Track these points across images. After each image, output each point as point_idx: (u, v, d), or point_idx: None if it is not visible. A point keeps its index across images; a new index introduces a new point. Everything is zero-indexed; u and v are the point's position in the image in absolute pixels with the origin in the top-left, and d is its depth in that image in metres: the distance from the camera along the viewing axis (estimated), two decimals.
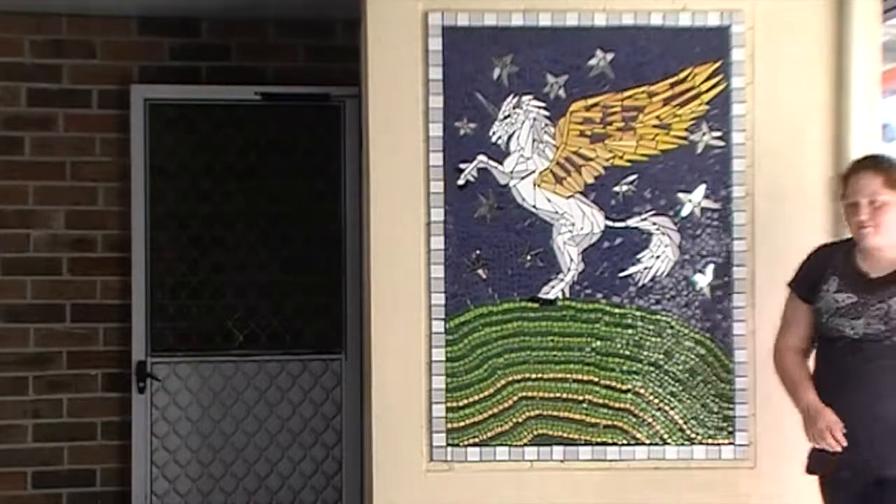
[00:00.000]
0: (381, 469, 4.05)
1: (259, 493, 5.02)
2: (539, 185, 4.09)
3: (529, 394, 4.08)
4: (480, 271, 4.07)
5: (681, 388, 4.10)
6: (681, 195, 4.12)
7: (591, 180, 4.10)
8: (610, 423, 4.09)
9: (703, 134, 4.13)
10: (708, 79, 4.13)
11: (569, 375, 4.09)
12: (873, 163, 3.58)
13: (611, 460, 4.09)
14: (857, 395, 3.50)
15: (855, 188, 3.53)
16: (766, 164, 4.14)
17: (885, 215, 3.48)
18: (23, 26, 4.95)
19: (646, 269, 4.10)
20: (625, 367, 4.10)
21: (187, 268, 4.94)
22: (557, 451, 4.08)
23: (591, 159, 4.10)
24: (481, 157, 4.08)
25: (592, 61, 4.10)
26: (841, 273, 3.59)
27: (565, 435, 4.08)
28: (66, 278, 4.95)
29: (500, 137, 4.09)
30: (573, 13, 4.10)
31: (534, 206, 4.09)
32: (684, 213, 4.12)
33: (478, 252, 4.08)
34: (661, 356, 4.10)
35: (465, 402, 4.06)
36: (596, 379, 4.09)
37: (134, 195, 4.89)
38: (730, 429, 4.11)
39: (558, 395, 4.09)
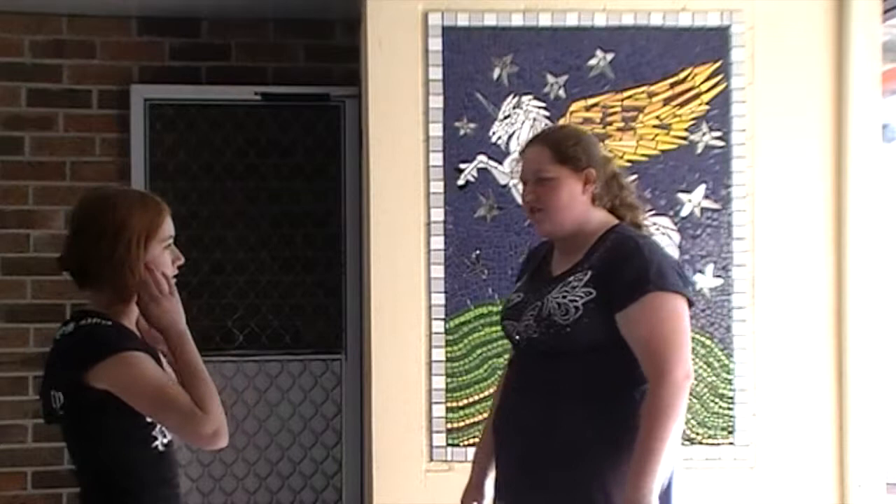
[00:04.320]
0: (381, 469, 4.05)
1: (259, 493, 5.01)
2: None
3: None
4: (480, 271, 4.07)
5: None
6: (681, 195, 4.12)
7: None
8: None
9: (703, 134, 4.13)
10: (708, 79, 4.13)
11: None
12: (542, 135, 3.03)
13: None
14: (505, 421, 2.93)
15: (523, 167, 2.96)
16: (766, 164, 4.14)
17: (553, 194, 2.84)
18: (23, 26, 4.94)
19: None
20: None
21: (187, 268, 4.90)
22: None
23: None
24: (481, 157, 4.08)
25: (592, 61, 4.11)
26: (533, 269, 3.03)
27: None
28: (66, 278, 4.91)
29: (500, 137, 4.09)
30: (573, 13, 4.10)
31: None
32: (684, 213, 4.12)
33: (478, 252, 4.08)
34: None
35: (465, 402, 4.07)
36: None
37: None
38: (730, 429, 4.10)
39: None
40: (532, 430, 2.82)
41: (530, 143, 2.99)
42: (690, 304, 2.80)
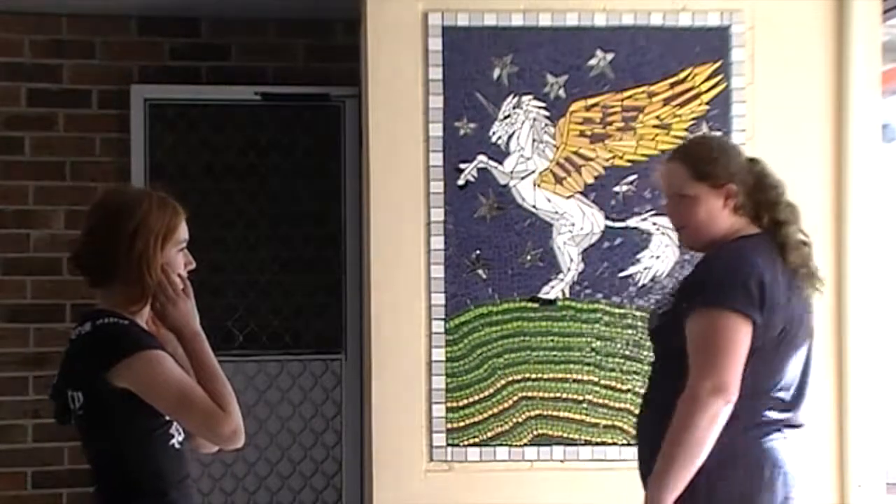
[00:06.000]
0: (381, 469, 4.06)
1: (259, 493, 5.02)
2: (539, 185, 4.09)
3: (529, 394, 4.08)
4: (480, 271, 4.07)
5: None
6: None
7: (591, 180, 4.10)
8: (610, 423, 4.09)
9: None
10: (708, 79, 4.13)
11: (569, 375, 4.09)
12: (682, 150, 3.09)
13: (611, 460, 4.09)
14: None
15: (664, 182, 3.03)
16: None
17: (692, 212, 2.92)
18: (23, 26, 4.94)
19: (646, 269, 4.11)
20: (625, 368, 4.10)
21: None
22: (557, 451, 4.08)
23: (591, 159, 4.10)
24: (481, 157, 4.08)
25: (592, 61, 4.11)
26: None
27: (565, 435, 4.08)
28: (66, 278, 4.94)
29: (500, 137, 4.09)
30: (573, 13, 4.10)
31: (534, 206, 4.09)
32: None
33: (478, 252, 4.08)
34: None
35: (465, 402, 4.07)
36: (596, 379, 4.09)
37: None
38: None
39: (558, 395, 4.09)
40: (638, 431, 3.09)
41: (671, 157, 3.02)
42: (755, 321, 2.75)
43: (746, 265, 2.79)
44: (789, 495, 2.81)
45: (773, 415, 2.80)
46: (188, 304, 2.58)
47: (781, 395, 2.81)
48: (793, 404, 2.83)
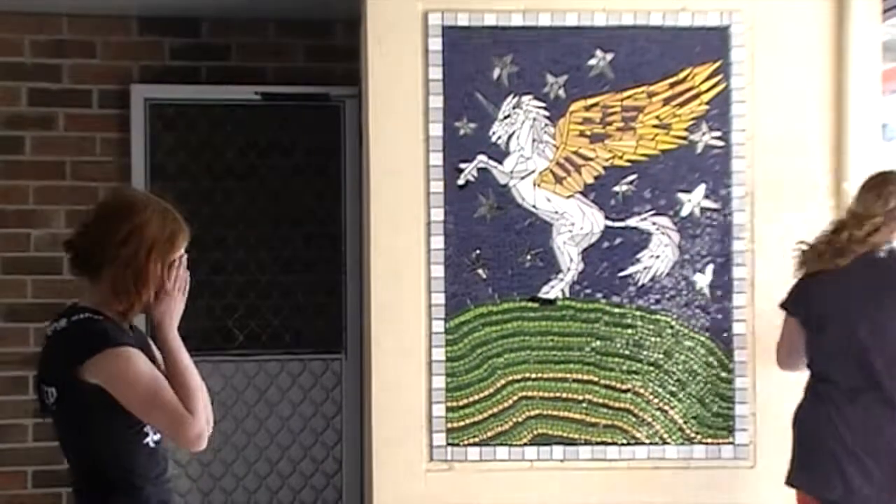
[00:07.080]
0: (381, 469, 4.06)
1: (259, 493, 5.02)
2: (539, 185, 4.09)
3: (529, 393, 4.08)
4: (480, 271, 4.08)
5: (681, 387, 4.11)
6: (681, 195, 4.13)
7: (590, 180, 4.11)
8: (610, 422, 4.10)
9: (703, 134, 4.13)
10: (708, 79, 4.13)
11: (569, 375, 4.09)
12: None
13: (611, 460, 4.10)
14: None
15: None
16: (766, 164, 4.14)
17: None
18: (23, 26, 4.95)
19: (645, 268, 4.11)
20: (625, 367, 4.10)
21: (187, 267, 4.92)
22: (557, 450, 4.08)
23: (590, 159, 4.10)
24: (481, 157, 4.08)
25: (592, 61, 4.11)
26: None
27: (565, 435, 4.09)
28: (66, 278, 4.91)
29: (500, 137, 4.09)
30: (573, 13, 4.10)
31: (534, 206, 4.09)
32: (684, 213, 4.13)
33: (478, 252, 4.08)
34: (661, 356, 4.10)
35: (465, 401, 4.07)
36: (596, 379, 4.10)
37: None
38: (730, 428, 4.11)
39: (558, 394, 4.09)
40: None
41: None
42: (796, 316, 3.66)
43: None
44: (815, 445, 3.56)
45: (820, 385, 3.55)
46: (175, 302, 2.58)
47: (818, 369, 3.56)
48: (833, 376, 3.50)
